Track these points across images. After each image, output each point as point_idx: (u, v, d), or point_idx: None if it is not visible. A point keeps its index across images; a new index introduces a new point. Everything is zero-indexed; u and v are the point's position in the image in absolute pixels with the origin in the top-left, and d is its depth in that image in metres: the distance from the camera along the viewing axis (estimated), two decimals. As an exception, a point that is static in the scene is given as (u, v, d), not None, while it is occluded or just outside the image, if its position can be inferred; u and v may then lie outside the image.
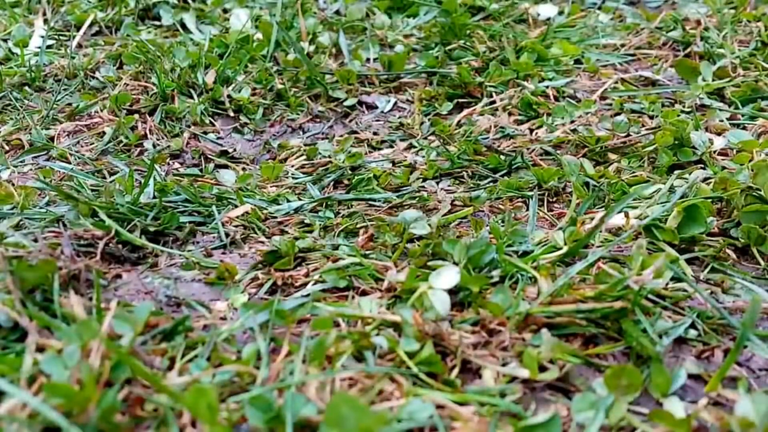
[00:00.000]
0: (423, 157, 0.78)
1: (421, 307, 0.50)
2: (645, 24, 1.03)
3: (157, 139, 0.83)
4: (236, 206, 0.67)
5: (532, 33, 1.03)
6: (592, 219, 0.61)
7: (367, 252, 0.59)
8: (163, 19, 1.13)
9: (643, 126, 0.78)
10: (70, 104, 0.90)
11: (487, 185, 0.71)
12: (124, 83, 0.93)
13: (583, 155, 0.74)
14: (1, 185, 0.68)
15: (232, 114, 0.88)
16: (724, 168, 0.67)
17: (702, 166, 0.69)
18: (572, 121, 0.80)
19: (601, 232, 0.59)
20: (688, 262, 0.56)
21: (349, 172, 0.75)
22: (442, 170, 0.74)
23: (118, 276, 0.57)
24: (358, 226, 0.64)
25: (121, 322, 0.47)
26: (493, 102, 0.87)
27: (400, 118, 0.87)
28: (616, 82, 0.90)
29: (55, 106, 0.89)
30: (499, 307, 0.49)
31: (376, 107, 0.90)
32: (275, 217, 0.66)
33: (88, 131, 0.85)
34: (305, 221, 0.65)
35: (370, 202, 0.69)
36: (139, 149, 0.81)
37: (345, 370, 0.44)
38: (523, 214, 0.66)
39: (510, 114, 0.84)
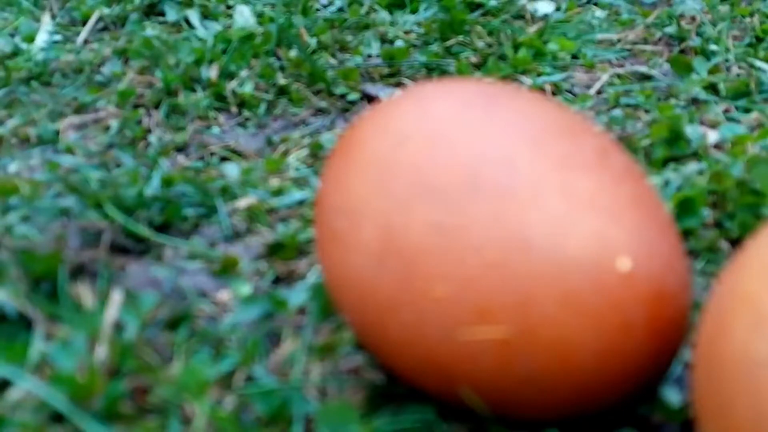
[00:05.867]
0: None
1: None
2: (640, 20, 1.03)
3: (162, 133, 0.84)
4: (240, 198, 0.68)
5: (530, 29, 1.04)
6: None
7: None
8: (168, 15, 1.14)
9: (639, 120, 0.79)
10: (76, 98, 0.91)
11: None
12: (130, 78, 0.94)
13: (580, 149, 0.74)
14: (8, 178, 0.69)
15: (234, 110, 0.89)
16: (718, 161, 0.68)
17: (697, 159, 0.70)
18: (570, 116, 0.81)
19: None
20: (683, 253, 0.57)
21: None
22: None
23: (124, 267, 0.58)
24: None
25: (127, 313, 0.48)
26: (493, 97, 0.87)
27: (400, 112, 0.87)
28: (612, 77, 0.90)
29: (61, 100, 0.90)
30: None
31: (380, 100, 0.90)
32: (278, 210, 0.67)
33: (94, 125, 0.86)
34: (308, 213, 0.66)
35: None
36: (144, 142, 0.82)
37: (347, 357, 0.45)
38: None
39: (509, 108, 0.85)
